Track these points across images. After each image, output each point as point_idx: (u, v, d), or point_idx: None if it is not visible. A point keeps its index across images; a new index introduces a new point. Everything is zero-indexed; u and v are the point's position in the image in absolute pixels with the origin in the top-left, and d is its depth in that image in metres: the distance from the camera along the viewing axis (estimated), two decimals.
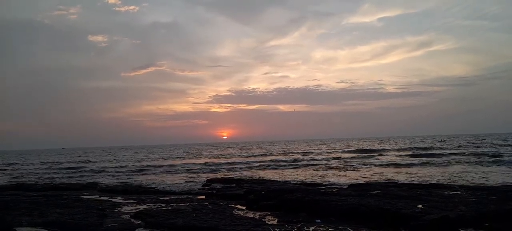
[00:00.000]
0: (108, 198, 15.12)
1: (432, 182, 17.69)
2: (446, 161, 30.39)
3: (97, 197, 15.57)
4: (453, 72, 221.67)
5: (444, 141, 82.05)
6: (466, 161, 30.31)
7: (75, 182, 22.91)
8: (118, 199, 14.62)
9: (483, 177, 19.93)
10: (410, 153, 43.50)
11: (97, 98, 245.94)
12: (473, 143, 61.26)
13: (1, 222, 9.54)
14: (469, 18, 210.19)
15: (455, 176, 20.79)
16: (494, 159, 30.72)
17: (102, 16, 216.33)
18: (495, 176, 20.51)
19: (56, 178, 28.24)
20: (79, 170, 35.23)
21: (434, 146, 57.27)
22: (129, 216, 10.76)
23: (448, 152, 42.03)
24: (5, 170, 39.67)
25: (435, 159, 33.01)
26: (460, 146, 54.24)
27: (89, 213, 10.92)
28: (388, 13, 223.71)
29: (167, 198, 14.47)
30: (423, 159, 33.69)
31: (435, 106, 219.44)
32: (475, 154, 36.49)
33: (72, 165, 42.70)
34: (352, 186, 16.22)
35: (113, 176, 28.54)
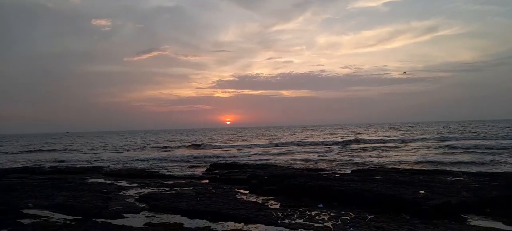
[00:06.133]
0: (112, 181, 15.32)
1: (435, 168, 17.70)
2: (449, 147, 30.35)
3: (102, 180, 15.80)
4: (460, 58, 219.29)
5: (450, 127, 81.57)
6: (470, 147, 30.21)
7: (80, 166, 23.16)
8: (123, 183, 14.81)
9: (486, 163, 19.92)
10: (414, 138, 43.43)
11: (101, 83, 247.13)
12: (479, 130, 60.99)
13: (8, 204, 9.71)
14: (477, 2, 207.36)
15: (458, 162, 20.79)
16: (497, 148, 30.58)
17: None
18: (499, 162, 20.47)
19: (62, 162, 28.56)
20: (84, 153, 35.56)
21: (440, 132, 57.08)
22: (133, 199, 10.91)
23: (453, 140, 41.91)
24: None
25: (439, 146, 32.97)
26: (465, 132, 54.03)
27: (94, 196, 11.08)
28: None
29: (171, 182, 14.63)
30: (428, 148, 33.65)
31: (441, 92, 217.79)
32: (479, 141, 36.36)
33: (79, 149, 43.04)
34: (355, 172, 16.25)
35: (117, 160, 28.79)
